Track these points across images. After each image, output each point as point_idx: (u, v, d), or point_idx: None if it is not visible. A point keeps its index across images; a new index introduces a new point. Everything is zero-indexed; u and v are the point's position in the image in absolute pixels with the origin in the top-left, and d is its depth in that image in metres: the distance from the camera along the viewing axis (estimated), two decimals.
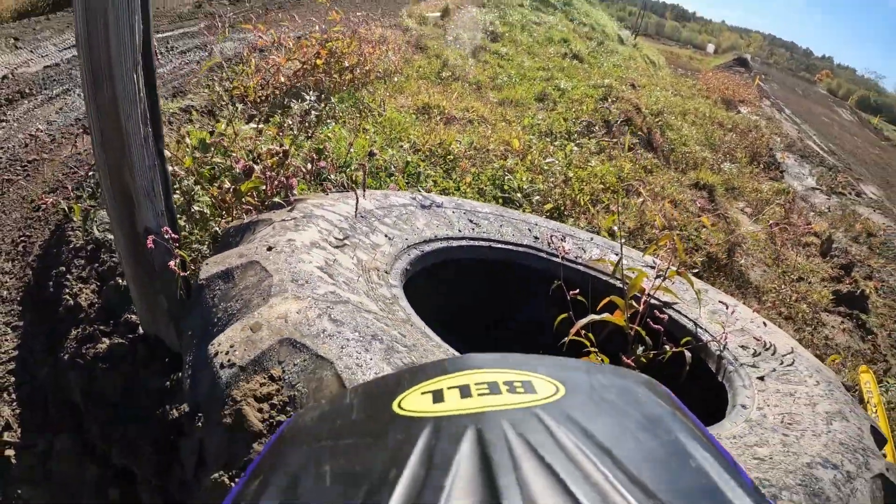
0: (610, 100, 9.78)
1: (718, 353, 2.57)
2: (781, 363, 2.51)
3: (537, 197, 5.66)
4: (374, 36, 8.41)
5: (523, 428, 0.79)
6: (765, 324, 2.87)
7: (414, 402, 0.92)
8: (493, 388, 0.91)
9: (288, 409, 1.48)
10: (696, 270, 5.83)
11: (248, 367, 1.56)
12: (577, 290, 2.55)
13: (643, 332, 2.43)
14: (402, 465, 0.76)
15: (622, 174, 6.96)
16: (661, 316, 2.52)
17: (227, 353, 1.60)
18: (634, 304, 2.45)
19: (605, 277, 3.07)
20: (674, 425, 0.85)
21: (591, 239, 3.61)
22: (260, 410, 1.48)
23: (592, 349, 2.31)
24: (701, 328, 2.79)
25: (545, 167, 6.29)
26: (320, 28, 6.96)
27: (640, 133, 9.16)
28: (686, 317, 2.86)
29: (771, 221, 8.26)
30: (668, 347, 2.43)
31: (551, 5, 18.56)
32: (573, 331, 2.27)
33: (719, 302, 2.98)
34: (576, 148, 7.32)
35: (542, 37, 14.59)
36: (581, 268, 3.17)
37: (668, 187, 7.44)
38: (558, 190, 5.94)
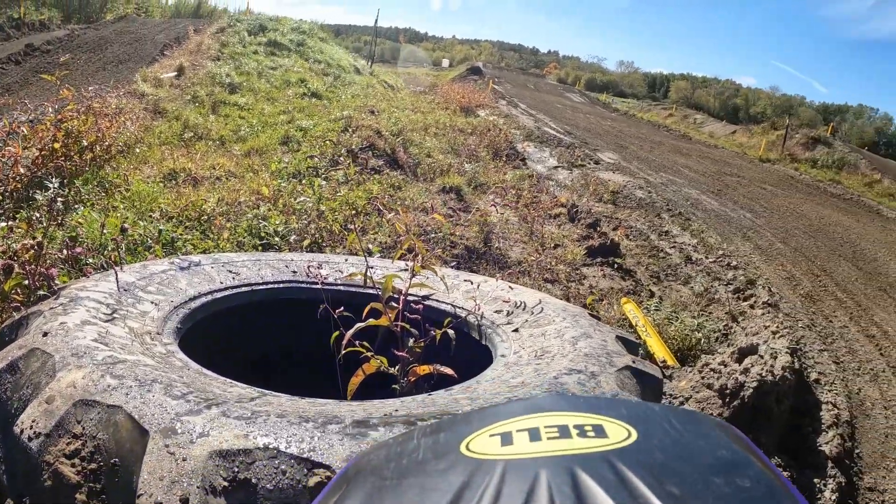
0: (351, 130, 10.37)
1: (477, 322, 3.02)
2: (532, 314, 3.00)
3: (294, 236, 6.04)
4: (109, 109, 8.29)
5: (594, 474, 0.79)
6: (511, 287, 3.35)
7: (482, 444, 0.92)
8: (564, 432, 0.91)
9: (96, 456, 1.69)
10: (455, 263, 6.53)
11: (52, 433, 1.75)
12: (342, 308, 2.67)
13: (408, 327, 2.70)
14: None
15: (371, 196, 7.53)
16: (417, 306, 2.85)
17: (30, 427, 1.79)
18: (395, 304, 2.72)
19: (365, 290, 3.29)
20: (749, 471, 0.84)
21: (346, 260, 3.98)
22: (73, 465, 1.71)
23: (369, 353, 2.52)
24: (459, 307, 3.21)
25: (297, 207, 6.68)
26: (53, 108, 6.82)
27: (384, 154, 9.84)
28: (444, 302, 3.29)
29: (512, 203, 9.28)
30: (433, 332, 2.67)
31: (285, 48, 18.91)
32: (344, 342, 2.50)
33: (464, 280, 3.49)
34: (324, 182, 7.77)
35: (279, 81, 14.93)
36: (342, 287, 3.48)
37: (418, 197, 8.14)
38: (313, 225, 6.35)
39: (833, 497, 4.80)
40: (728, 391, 4.91)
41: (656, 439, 0.89)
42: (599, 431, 0.90)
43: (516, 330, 2.87)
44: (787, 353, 5.94)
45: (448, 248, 6.88)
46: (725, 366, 5.31)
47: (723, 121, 52.68)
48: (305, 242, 5.94)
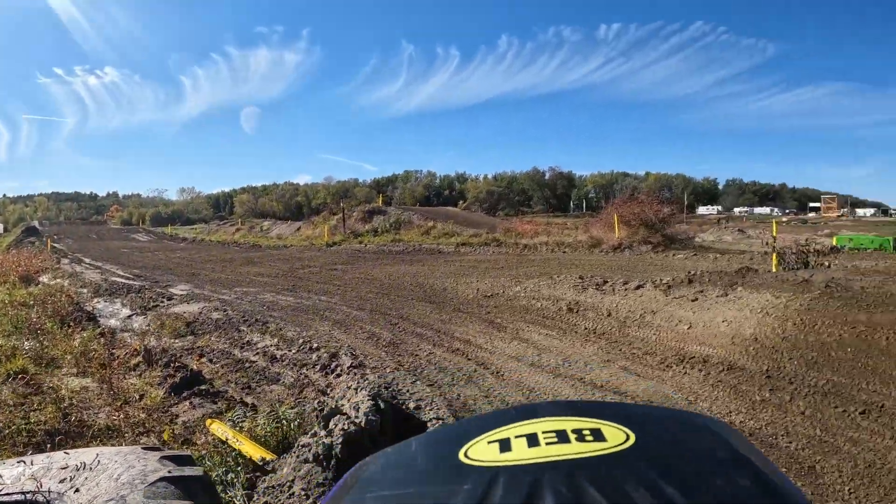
0: None
1: (45, 499, 3.01)
2: (91, 469, 3.13)
3: None
4: None
5: (592, 479, 0.80)
6: (67, 454, 3.45)
7: (481, 451, 0.92)
8: (562, 437, 0.92)
9: None
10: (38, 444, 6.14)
11: None
12: None
13: None
14: None
15: None
16: None
17: None
18: None
19: None
20: (749, 471, 0.86)
21: None
22: None
23: None
24: (26, 492, 3.12)
25: None
26: None
27: None
28: (19, 492, 3.13)
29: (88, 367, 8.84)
30: None
31: None
32: None
33: (17, 461, 3.46)
34: None
35: None
36: None
37: None
38: None
39: None
40: (322, 456, 5.42)
41: (655, 441, 0.92)
42: (598, 435, 0.92)
43: (77, 490, 3.02)
44: (368, 399, 6.72)
45: (25, 437, 6.41)
46: (315, 436, 5.85)
47: (288, 221, 55.72)
48: None
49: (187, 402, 7.57)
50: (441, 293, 14.70)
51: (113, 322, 13.50)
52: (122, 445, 3.99)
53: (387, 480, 0.95)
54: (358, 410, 6.43)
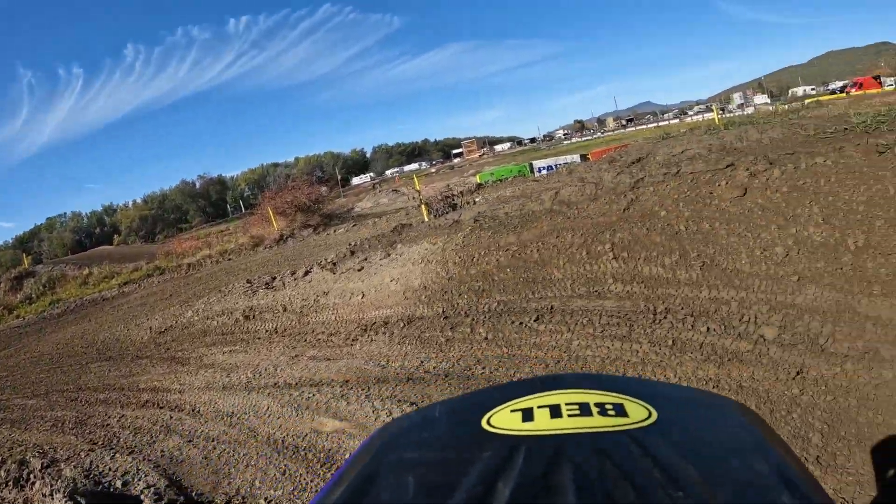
0: None
1: None
2: None
3: None
4: None
5: (613, 452, 0.80)
6: None
7: (503, 419, 0.93)
8: (584, 410, 0.92)
9: None
10: None
11: None
12: None
13: None
14: (487, 481, 0.77)
15: None
16: None
17: None
18: None
19: None
20: (767, 455, 0.85)
21: None
22: None
23: None
24: None
25: None
26: None
27: None
28: None
29: None
30: None
31: None
32: None
33: None
34: None
35: None
36: None
37: None
38: None
39: None
40: None
41: (676, 420, 0.92)
42: (620, 410, 0.92)
43: None
44: (66, 501, 6.43)
45: None
46: None
47: None
48: None
49: None
50: (115, 345, 13.82)
51: None
52: None
53: (410, 443, 0.97)
54: None
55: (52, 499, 6.50)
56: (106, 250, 50.48)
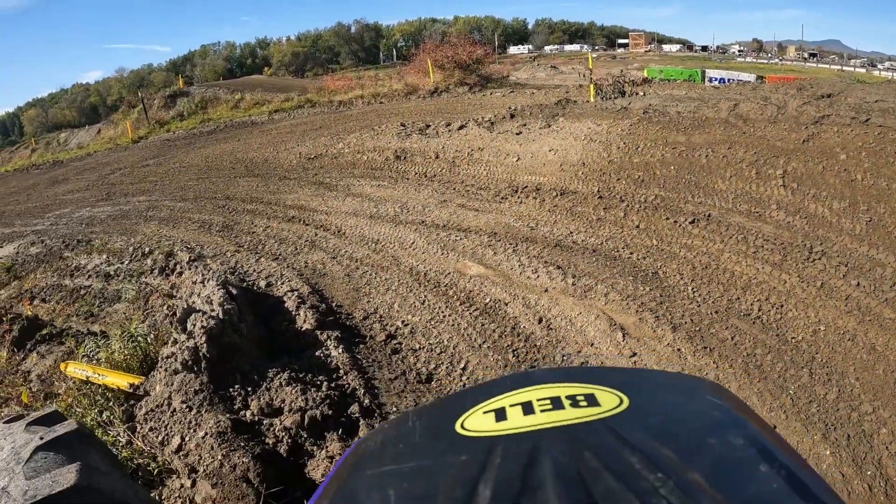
0: None
1: None
2: None
3: None
4: None
5: (588, 443, 0.81)
6: None
7: (477, 421, 0.93)
8: (556, 404, 0.93)
9: None
10: None
11: None
12: None
13: None
14: (467, 486, 0.78)
15: None
16: None
17: None
18: None
19: None
20: (743, 431, 0.86)
21: None
22: None
23: None
24: None
25: None
26: None
27: None
28: None
29: None
30: None
31: None
32: None
33: None
34: None
35: None
36: None
37: None
38: None
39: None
40: (190, 361, 5.32)
41: (648, 404, 0.93)
42: (591, 400, 0.92)
43: None
44: (219, 289, 6.60)
45: None
46: (176, 343, 5.72)
47: (86, 127, 50.80)
48: None
49: (34, 354, 7.15)
50: (263, 165, 14.28)
51: None
52: None
53: (386, 456, 0.96)
54: (211, 303, 6.30)
55: (204, 285, 6.67)
56: (258, 79, 51.73)
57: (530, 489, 0.76)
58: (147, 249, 9.35)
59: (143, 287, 8.19)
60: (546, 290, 6.49)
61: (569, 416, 0.89)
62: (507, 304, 6.41)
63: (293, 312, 6.55)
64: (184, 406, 4.89)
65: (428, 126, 12.59)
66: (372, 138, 13.19)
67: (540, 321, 6.09)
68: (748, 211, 7.15)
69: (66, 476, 2.30)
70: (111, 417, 5.16)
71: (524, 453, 0.82)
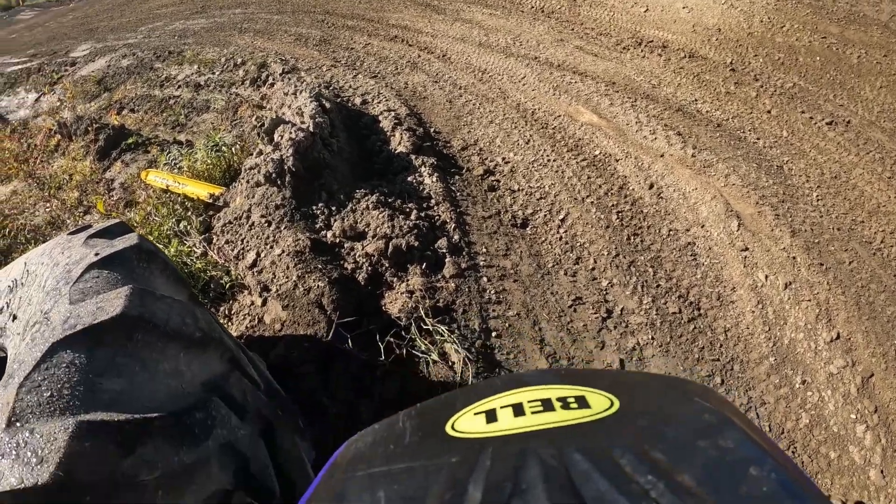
0: None
1: None
2: (23, 284, 2.51)
3: None
4: None
5: (578, 446, 0.80)
6: None
7: (467, 423, 0.93)
8: (547, 405, 0.92)
9: None
10: None
11: None
12: None
13: None
14: (457, 487, 0.77)
15: None
16: None
17: None
18: None
19: None
20: (732, 432, 0.84)
21: None
22: None
23: None
24: None
25: None
26: None
27: None
28: None
29: None
30: None
31: None
32: None
33: None
34: None
35: None
36: None
37: None
38: None
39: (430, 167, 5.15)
40: (274, 174, 4.81)
41: (639, 407, 0.91)
42: (582, 402, 0.91)
43: (15, 317, 2.44)
44: (311, 101, 5.94)
45: None
46: (261, 154, 5.18)
47: None
48: None
49: (118, 162, 6.89)
50: None
51: (23, 113, 12.18)
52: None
53: (376, 457, 0.92)
54: (302, 115, 5.81)
55: (296, 97, 6.14)
56: None
57: (520, 491, 0.74)
58: (239, 60, 8.97)
59: (233, 97, 7.84)
60: (662, 156, 5.95)
61: (559, 418, 0.88)
62: (617, 161, 5.91)
63: (388, 133, 6.05)
64: (263, 220, 4.53)
65: None
66: None
67: (651, 187, 5.61)
68: (892, 130, 6.30)
69: (113, 302, 1.97)
70: (188, 227, 4.99)
71: (514, 455, 0.81)
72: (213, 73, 8.86)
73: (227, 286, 4.34)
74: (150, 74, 9.93)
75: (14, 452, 1.57)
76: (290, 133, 5.19)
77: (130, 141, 7.13)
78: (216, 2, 15.66)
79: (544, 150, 5.98)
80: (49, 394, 1.71)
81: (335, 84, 7.50)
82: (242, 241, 4.59)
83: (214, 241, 4.73)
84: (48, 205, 6.54)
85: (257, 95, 7.51)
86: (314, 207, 4.80)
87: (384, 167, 5.70)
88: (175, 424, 1.84)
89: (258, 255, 4.40)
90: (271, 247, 4.39)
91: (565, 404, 0.91)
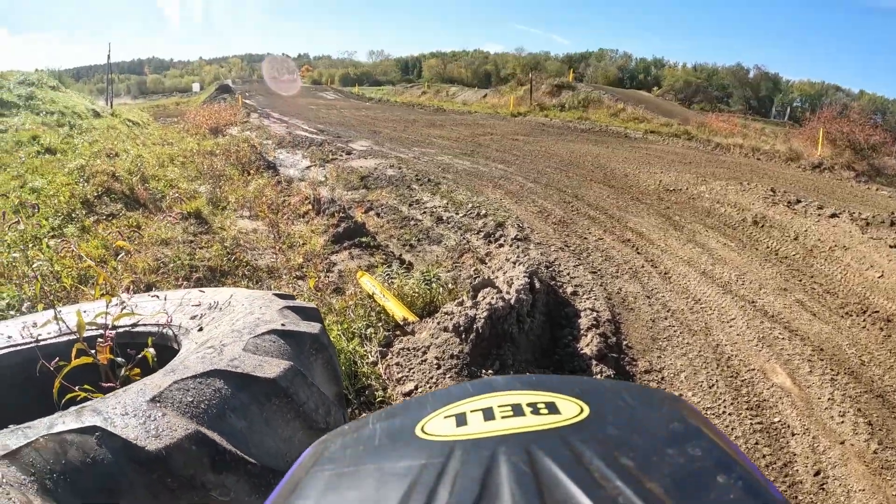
0: (85, 178, 9.78)
1: (173, 333, 3.03)
2: (220, 310, 3.12)
3: (27, 303, 5.54)
4: None
5: (548, 450, 0.81)
6: (202, 291, 3.44)
7: (437, 426, 0.94)
8: (517, 411, 0.93)
9: None
10: (199, 279, 6.49)
11: None
12: (58, 360, 2.57)
13: (111, 357, 2.70)
14: (425, 490, 0.78)
15: (108, 243, 7.15)
16: (109, 334, 2.80)
17: None
18: (102, 339, 2.72)
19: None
20: (701, 442, 0.87)
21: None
22: None
23: (96, 395, 2.42)
24: (157, 325, 3.12)
25: (31, 272, 6.09)
26: None
27: (123, 196, 9.39)
28: (154, 325, 3.16)
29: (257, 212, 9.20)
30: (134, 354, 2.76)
31: (13, 105, 16.96)
32: (55, 388, 2.43)
33: (152, 296, 3.48)
34: (52, 243, 7.19)
35: (9, 143, 13.39)
36: (62, 339, 3.16)
37: (159, 232, 7.86)
38: (48, 287, 5.86)
39: None
40: (462, 327, 5.18)
41: (609, 414, 0.92)
42: (552, 409, 0.92)
43: (201, 329, 2.96)
44: (524, 276, 6.37)
45: (189, 272, 6.72)
46: (461, 305, 5.61)
47: (475, 88, 55.20)
48: (39, 307, 5.52)
49: (346, 252, 7.67)
50: (621, 178, 13.91)
51: (291, 172, 14.04)
52: (268, 289, 3.85)
53: (345, 457, 0.94)
54: (511, 286, 6.17)
55: (514, 267, 6.54)
56: (644, 96, 51.09)
57: (488, 495, 0.75)
58: (483, 212, 9.67)
59: (464, 242, 8.42)
60: (842, 443, 4.94)
61: (529, 423, 0.89)
62: (793, 436, 5.18)
63: (582, 331, 6.15)
64: (435, 361, 4.91)
65: (799, 201, 11.18)
66: (736, 192, 12.16)
67: (817, 474, 4.72)
68: None
69: (273, 367, 2.36)
70: (372, 335, 5.42)
71: (483, 459, 0.81)
72: (457, 214, 9.64)
73: (378, 401, 4.64)
74: (405, 191, 11.06)
75: (144, 418, 1.95)
76: (492, 298, 5.58)
77: (364, 239, 8.00)
78: (485, 151, 17.14)
79: (724, 400, 5.60)
80: (191, 399, 2.11)
81: (556, 267, 7.78)
82: (410, 369, 4.93)
83: (388, 357, 5.11)
84: (275, 256, 7.44)
85: (484, 250, 8.09)
86: (482, 371, 5.05)
87: (563, 361, 5.85)
88: (261, 475, 2.09)
89: (416, 388, 4.69)
90: (431, 387, 4.67)
91: (535, 410, 0.92)
